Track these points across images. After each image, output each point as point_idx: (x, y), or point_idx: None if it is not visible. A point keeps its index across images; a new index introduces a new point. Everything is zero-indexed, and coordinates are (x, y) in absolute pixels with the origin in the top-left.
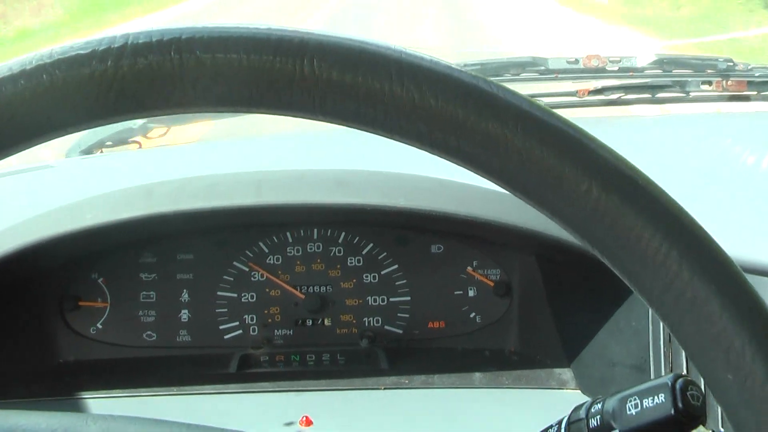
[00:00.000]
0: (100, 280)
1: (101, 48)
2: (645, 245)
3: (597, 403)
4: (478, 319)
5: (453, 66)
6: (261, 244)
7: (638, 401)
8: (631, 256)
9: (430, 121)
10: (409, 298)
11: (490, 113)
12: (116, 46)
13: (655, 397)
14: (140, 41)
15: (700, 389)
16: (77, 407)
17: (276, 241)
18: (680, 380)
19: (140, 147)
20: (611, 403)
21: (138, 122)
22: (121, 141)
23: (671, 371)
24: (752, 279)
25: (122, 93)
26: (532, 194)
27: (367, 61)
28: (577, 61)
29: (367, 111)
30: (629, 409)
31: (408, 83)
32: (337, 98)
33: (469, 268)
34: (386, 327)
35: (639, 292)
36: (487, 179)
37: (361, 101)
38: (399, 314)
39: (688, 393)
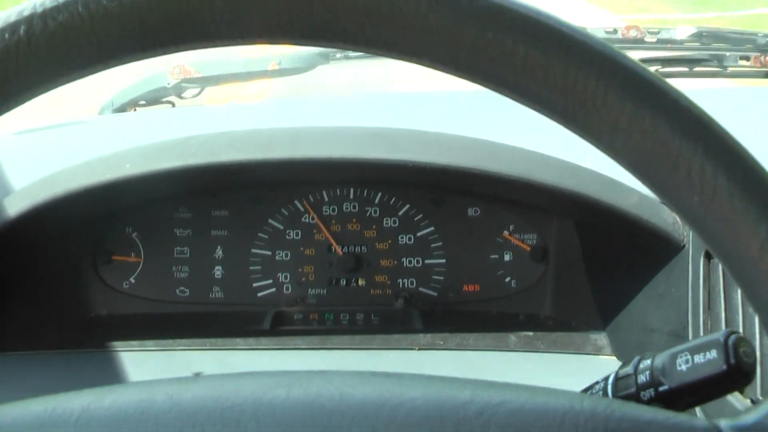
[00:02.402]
0: (134, 235)
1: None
2: (582, 89)
3: (646, 359)
4: (513, 284)
5: None
6: (296, 202)
7: (689, 357)
8: (572, 102)
9: (339, 13)
10: (444, 261)
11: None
12: None
13: (707, 353)
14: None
15: (752, 347)
16: (108, 360)
17: (312, 200)
18: (732, 336)
19: (173, 107)
20: (661, 359)
21: (172, 82)
22: (154, 100)
23: None
24: None
25: None
26: (462, 67)
27: None
28: (615, 31)
29: (266, 19)
30: (679, 365)
31: None
32: (252, 13)
33: (506, 232)
34: (421, 289)
35: (587, 136)
36: (401, 58)
37: (258, 10)
38: (434, 276)
39: (740, 350)
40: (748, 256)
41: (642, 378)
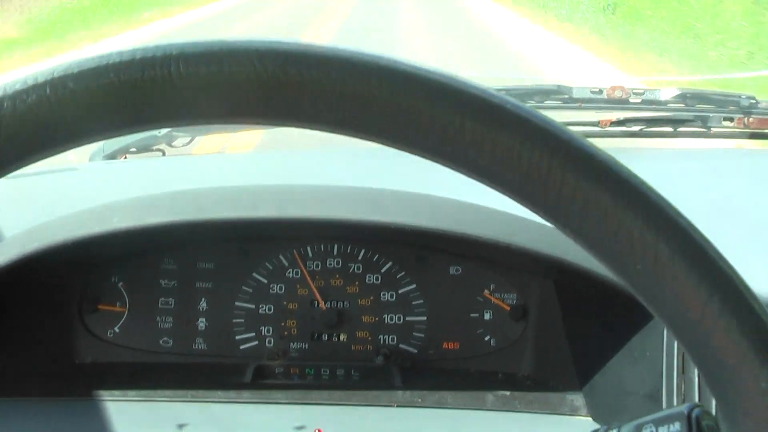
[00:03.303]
0: (120, 284)
1: None
2: (526, 162)
3: (612, 429)
4: (492, 342)
5: (311, 44)
6: (281, 257)
7: (653, 429)
8: (514, 174)
9: (302, 96)
10: (425, 318)
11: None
12: None
13: (671, 426)
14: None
15: (716, 420)
16: (91, 408)
17: (296, 255)
18: (696, 410)
19: (164, 155)
20: (626, 430)
21: (163, 130)
22: (145, 148)
23: (684, 401)
24: None
25: None
26: (411, 142)
27: (228, 53)
28: (601, 92)
29: (239, 102)
30: None
31: (270, 66)
32: (210, 95)
33: (486, 292)
34: (401, 345)
35: (534, 208)
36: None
37: (231, 93)
38: (414, 333)
39: (703, 423)
40: (690, 319)
41: None
